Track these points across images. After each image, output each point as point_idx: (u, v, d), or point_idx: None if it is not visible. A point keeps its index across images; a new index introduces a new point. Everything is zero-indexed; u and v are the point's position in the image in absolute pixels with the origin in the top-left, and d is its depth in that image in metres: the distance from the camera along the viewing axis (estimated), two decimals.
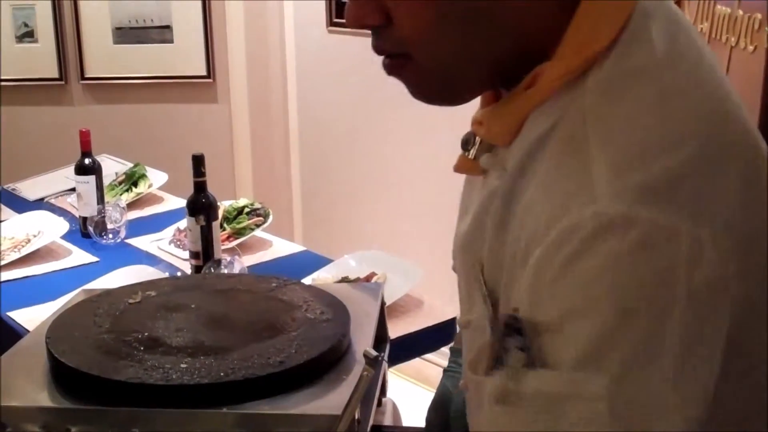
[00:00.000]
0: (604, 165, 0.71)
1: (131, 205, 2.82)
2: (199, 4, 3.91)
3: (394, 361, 1.87)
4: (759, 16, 1.64)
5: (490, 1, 0.80)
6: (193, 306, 1.32)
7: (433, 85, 0.86)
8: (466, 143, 0.93)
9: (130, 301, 1.34)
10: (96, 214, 2.57)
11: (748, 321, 0.73)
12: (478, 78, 0.86)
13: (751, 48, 1.66)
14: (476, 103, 0.91)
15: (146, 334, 1.23)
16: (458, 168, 0.94)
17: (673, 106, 0.74)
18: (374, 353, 1.01)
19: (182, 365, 1.13)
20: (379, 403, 1.37)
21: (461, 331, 0.98)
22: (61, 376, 1.15)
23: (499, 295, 0.82)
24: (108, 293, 1.39)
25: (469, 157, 0.92)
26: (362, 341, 1.26)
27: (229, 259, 2.19)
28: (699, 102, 0.76)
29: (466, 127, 0.91)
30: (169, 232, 2.62)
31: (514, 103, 0.83)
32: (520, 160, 0.81)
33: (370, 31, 0.85)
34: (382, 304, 1.42)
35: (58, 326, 1.26)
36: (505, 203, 0.82)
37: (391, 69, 0.86)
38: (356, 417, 1.07)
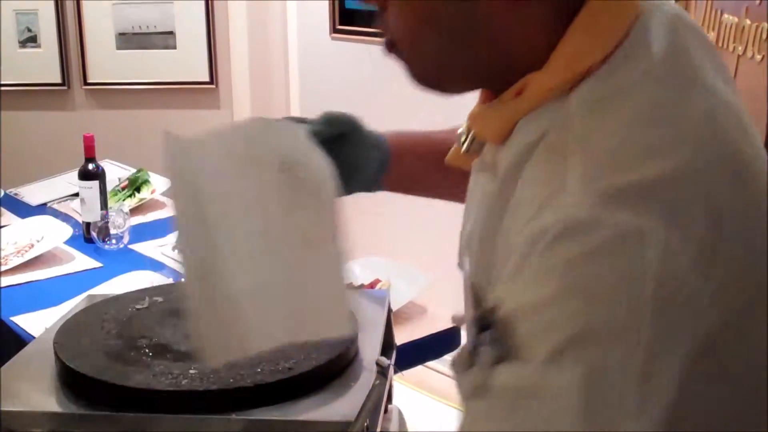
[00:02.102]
0: (578, 174, 0.73)
1: (134, 211, 2.81)
2: (202, 10, 3.92)
3: (397, 368, 1.86)
4: (766, 25, 1.64)
5: (477, 15, 0.79)
6: None
7: (419, 77, 0.86)
8: (461, 136, 0.94)
9: (138, 306, 1.34)
10: (99, 219, 2.57)
11: (727, 325, 0.73)
12: (462, 80, 0.86)
13: (758, 57, 1.66)
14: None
15: (154, 339, 1.23)
16: (450, 160, 0.97)
17: (655, 122, 0.75)
18: (387, 362, 1.02)
19: (191, 371, 1.13)
20: (385, 410, 1.37)
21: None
22: (70, 381, 1.15)
23: (485, 295, 0.83)
24: (115, 298, 1.39)
25: (462, 150, 0.94)
26: (370, 348, 1.26)
27: None
28: (683, 119, 0.76)
29: None
30: (172, 237, 2.61)
31: (504, 108, 0.83)
32: (509, 167, 0.82)
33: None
34: (389, 311, 1.42)
35: (66, 331, 1.26)
36: (495, 209, 0.83)
37: (386, 50, 0.87)
38: (366, 424, 1.07)
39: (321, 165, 0.97)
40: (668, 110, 0.76)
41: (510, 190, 0.81)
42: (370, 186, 1.24)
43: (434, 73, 0.86)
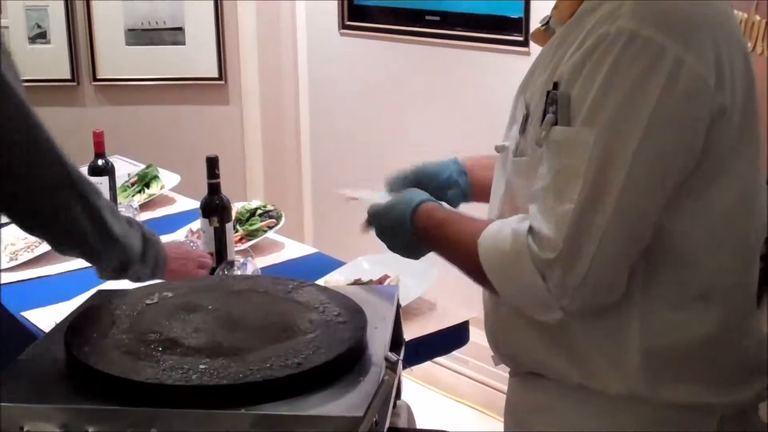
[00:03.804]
0: (632, 2, 1.11)
1: (143, 207, 2.82)
2: (212, 6, 3.92)
3: (406, 364, 1.87)
4: None
5: None
6: (210, 307, 1.32)
7: None
8: (543, 20, 1.30)
9: (148, 301, 1.34)
10: None
11: (721, 137, 1.13)
12: None
13: None
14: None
15: (164, 334, 1.23)
16: (531, 36, 1.34)
17: None
18: (395, 357, 1.02)
19: (201, 366, 1.13)
20: (394, 405, 1.37)
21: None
22: (81, 376, 1.16)
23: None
24: (125, 294, 1.40)
25: (541, 28, 1.29)
26: (378, 344, 1.26)
27: (242, 260, 2.19)
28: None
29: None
30: (181, 233, 2.62)
31: None
32: (572, 21, 1.19)
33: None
34: (398, 307, 1.42)
35: (77, 326, 1.27)
36: (554, 44, 1.20)
37: None
38: (375, 419, 1.07)
39: None
40: None
41: (568, 34, 1.17)
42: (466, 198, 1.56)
43: None
